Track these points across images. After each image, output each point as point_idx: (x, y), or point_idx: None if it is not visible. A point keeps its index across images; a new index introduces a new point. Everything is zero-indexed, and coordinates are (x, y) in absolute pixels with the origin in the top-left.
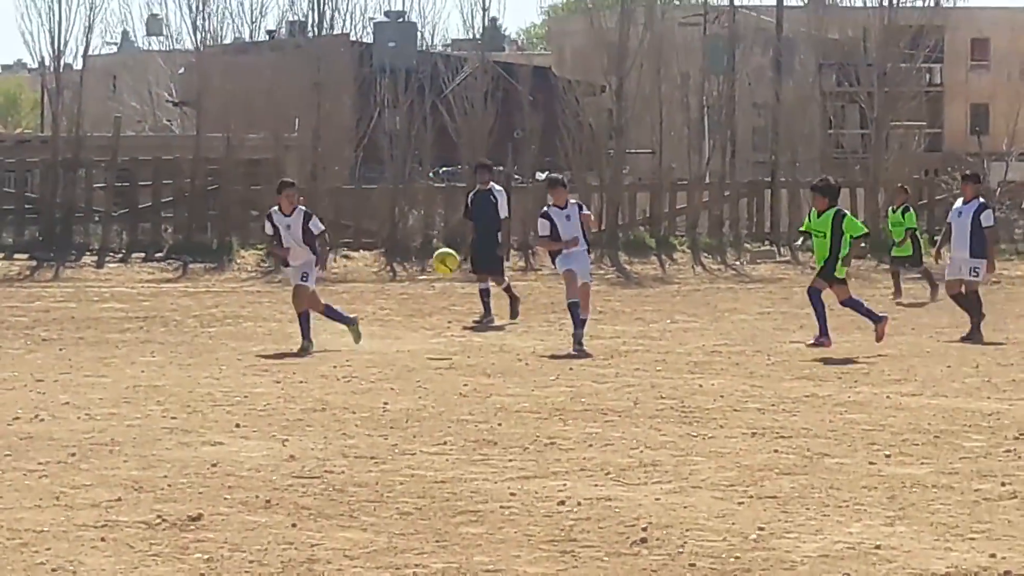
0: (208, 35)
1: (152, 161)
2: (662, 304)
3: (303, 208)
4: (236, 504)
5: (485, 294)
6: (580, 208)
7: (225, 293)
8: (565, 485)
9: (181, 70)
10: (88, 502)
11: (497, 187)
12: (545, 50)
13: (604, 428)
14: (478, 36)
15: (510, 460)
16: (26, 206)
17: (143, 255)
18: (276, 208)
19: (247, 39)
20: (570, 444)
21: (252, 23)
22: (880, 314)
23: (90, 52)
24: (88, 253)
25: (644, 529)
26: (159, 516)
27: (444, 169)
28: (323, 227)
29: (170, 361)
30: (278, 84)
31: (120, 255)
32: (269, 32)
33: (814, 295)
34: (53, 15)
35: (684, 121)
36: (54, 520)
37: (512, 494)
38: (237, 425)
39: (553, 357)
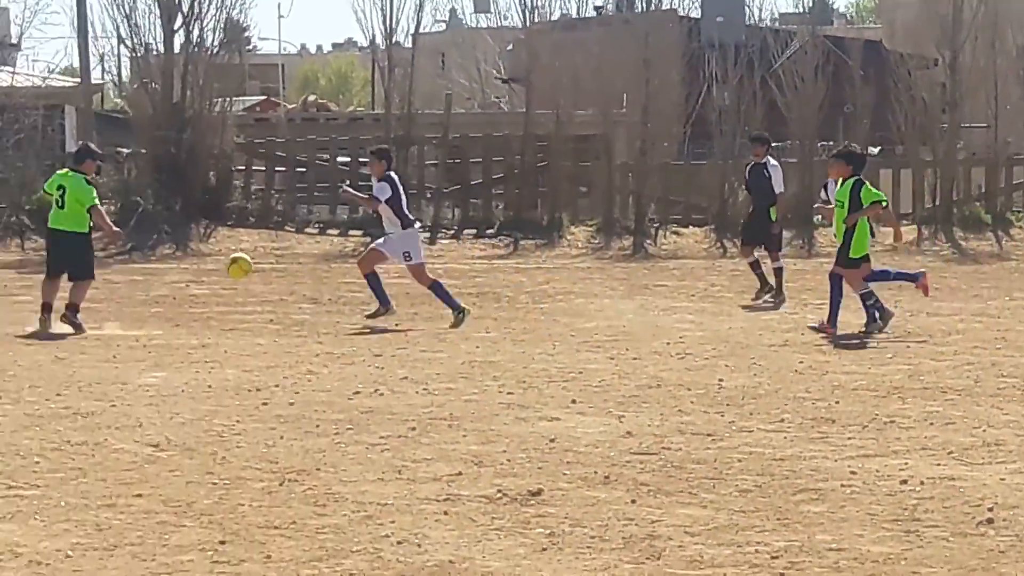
0: (536, 12)
1: (482, 138)
2: (1000, 281)
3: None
4: (575, 479)
5: (755, 266)
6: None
7: (556, 269)
8: (906, 464)
9: (509, 47)
10: (430, 476)
11: (773, 161)
12: (875, 23)
13: (944, 407)
14: (807, 10)
15: (849, 438)
16: (359, 183)
17: (474, 231)
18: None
19: (574, 15)
20: (910, 423)
21: None
22: (914, 272)
23: (420, 30)
24: (420, 230)
25: (990, 509)
26: (500, 491)
27: (773, 144)
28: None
29: (504, 337)
30: (606, 60)
31: (452, 232)
32: (596, 8)
33: (833, 279)
34: None
35: (1021, 95)
36: (397, 493)
37: (852, 472)
38: (573, 401)
39: (889, 336)
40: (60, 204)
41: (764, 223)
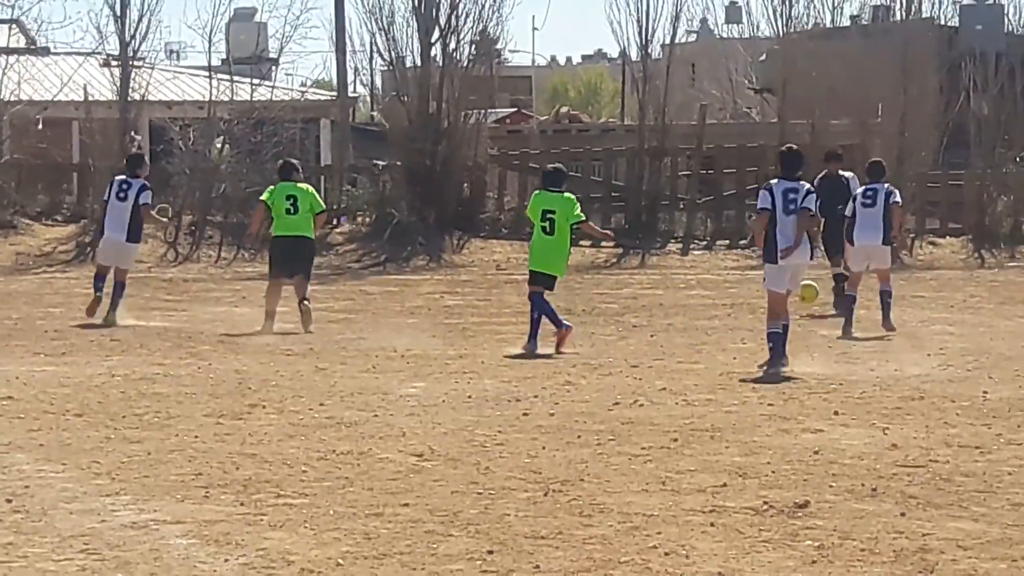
0: (790, 21)
1: (736, 149)
2: None
3: None
4: (842, 492)
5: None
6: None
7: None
8: None
9: (762, 57)
10: (694, 487)
11: (847, 174)
12: None
13: None
14: None
15: None
16: (612, 193)
17: (727, 242)
18: None
19: (828, 24)
20: None
21: (834, 8)
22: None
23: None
24: (673, 240)
25: None
26: (765, 502)
27: None
28: None
29: (761, 348)
30: (863, 69)
31: (704, 242)
32: (852, 17)
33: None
34: (641, 5)
35: None
36: (662, 504)
37: None
38: (835, 412)
39: None
40: (293, 211)
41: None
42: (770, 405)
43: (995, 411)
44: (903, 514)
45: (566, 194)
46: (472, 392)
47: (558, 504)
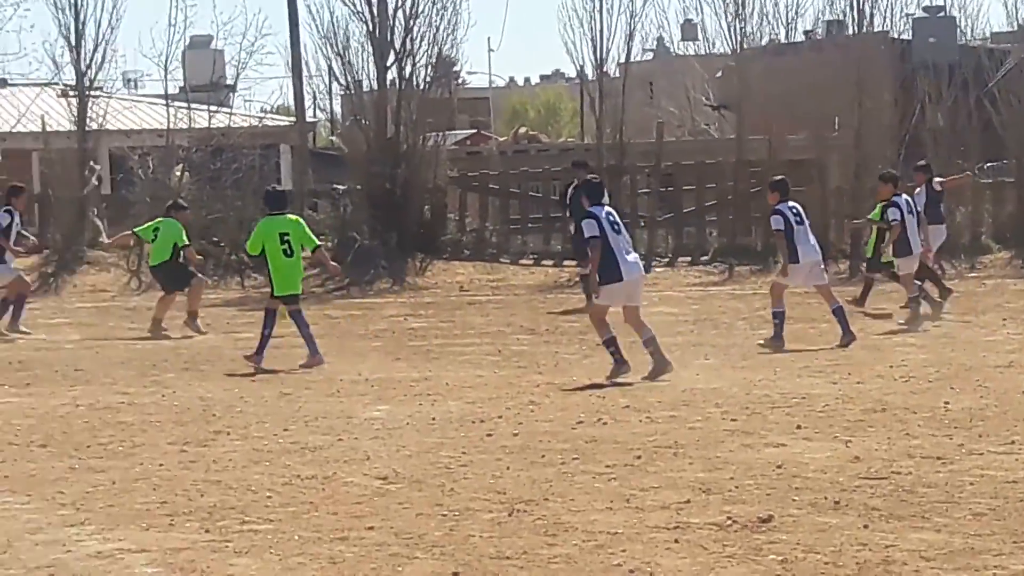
0: (745, 38)
1: (695, 165)
2: None
3: None
4: (805, 505)
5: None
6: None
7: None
8: None
9: (719, 73)
10: (658, 504)
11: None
12: None
13: None
14: (1021, 28)
15: None
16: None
17: (688, 259)
18: None
19: (783, 40)
20: None
21: (788, 24)
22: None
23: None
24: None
25: None
26: (729, 517)
27: (989, 164)
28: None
29: (724, 363)
30: (818, 84)
31: (666, 259)
32: (805, 32)
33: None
34: (595, 24)
35: None
36: (627, 522)
37: None
38: (798, 427)
39: None
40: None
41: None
42: (733, 420)
43: (956, 421)
44: (866, 526)
45: (293, 217)
46: (436, 414)
47: (523, 524)
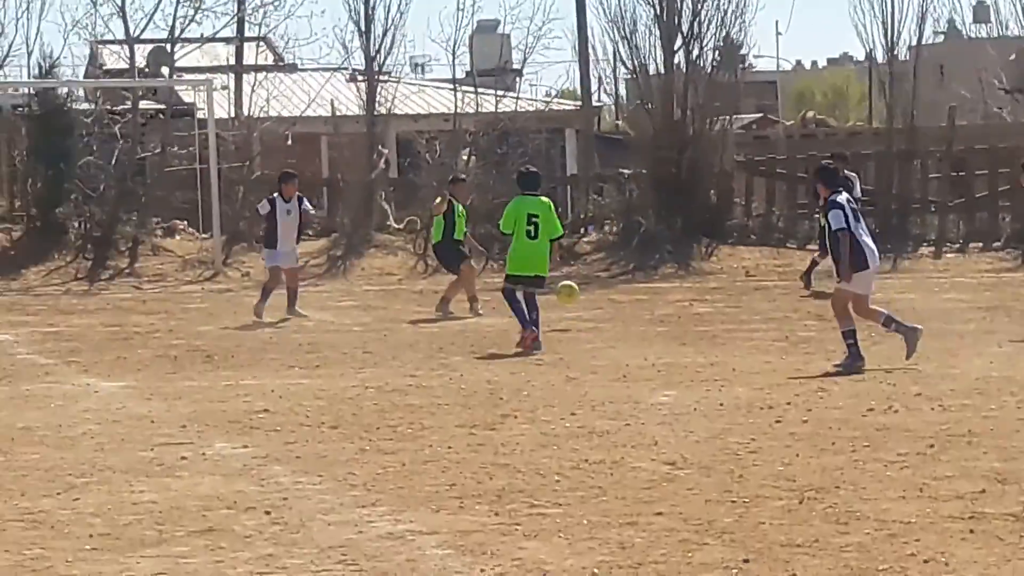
0: None
1: (987, 150)
2: None
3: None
4: None
5: None
6: None
7: None
8: None
9: (1012, 56)
10: (952, 493)
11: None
12: None
13: None
14: None
15: None
16: (862, 197)
17: (980, 245)
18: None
19: None
20: None
21: None
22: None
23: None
24: (925, 244)
25: None
26: None
27: None
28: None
29: (1018, 352)
30: None
31: (957, 245)
32: None
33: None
34: (886, 6)
35: None
36: (920, 511)
37: None
38: None
39: None
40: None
41: None
42: None
43: None
44: None
45: (543, 198)
46: (724, 400)
47: (813, 512)
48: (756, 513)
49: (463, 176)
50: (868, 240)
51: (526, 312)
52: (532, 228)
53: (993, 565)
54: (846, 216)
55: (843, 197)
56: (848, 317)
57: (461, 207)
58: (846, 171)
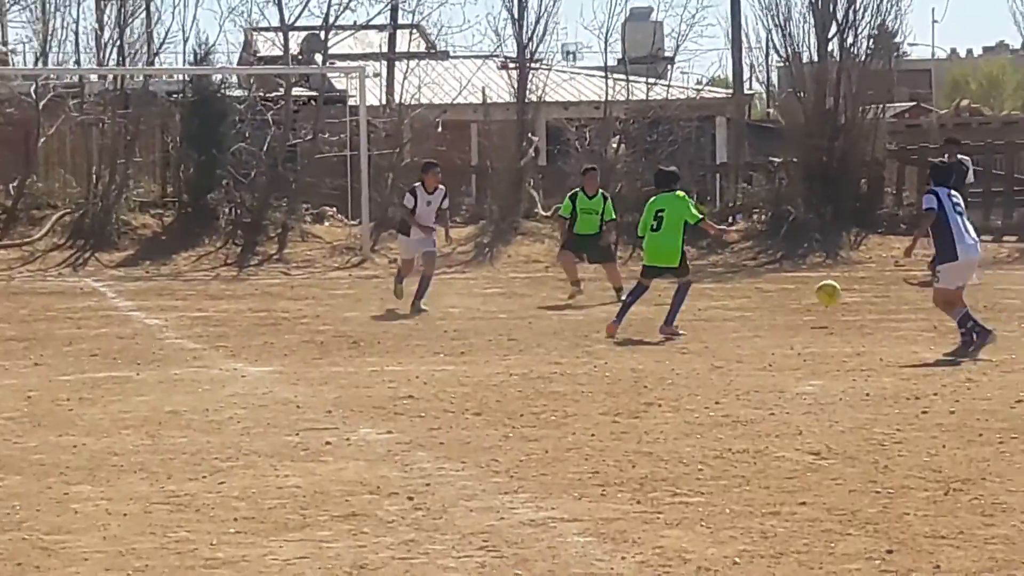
0: None
1: None
2: None
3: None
4: None
5: None
6: None
7: None
8: None
9: None
10: None
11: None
12: None
13: None
14: None
15: None
16: (1015, 188)
17: None
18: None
19: None
20: None
21: None
22: None
23: None
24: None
25: None
26: None
27: None
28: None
29: None
30: None
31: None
32: None
33: None
34: None
35: None
36: None
37: None
38: None
39: None
40: (655, 228)
41: None
42: None
43: None
44: None
45: (678, 193)
46: (870, 390)
47: (959, 503)
48: (900, 504)
49: (592, 167)
50: (965, 231)
51: (630, 305)
52: (656, 223)
53: None
54: (940, 201)
55: (944, 191)
56: (952, 305)
57: (586, 198)
58: (959, 156)
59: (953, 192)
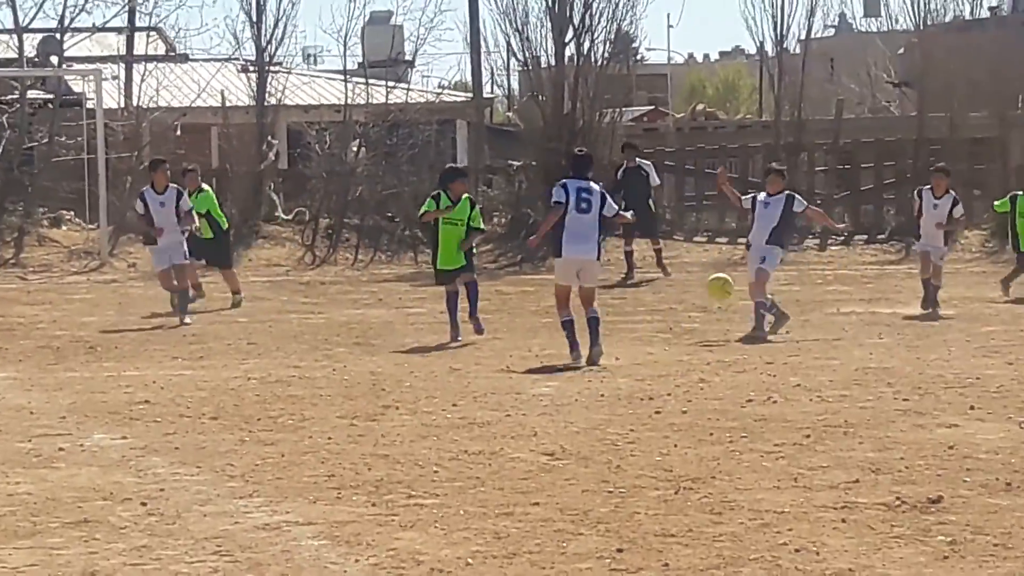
0: (928, 15)
1: (874, 143)
2: None
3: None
4: (976, 487)
5: None
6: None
7: (950, 274)
8: None
9: (900, 50)
10: (826, 483)
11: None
12: None
13: None
14: None
15: None
16: (748, 190)
17: (865, 237)
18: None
19: (967, 17)
20: None
21: (972, 0)
22: None
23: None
24: (811, 236)
25: None
26: (898, 498)
27: None
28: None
29: (898, 343)
30: (1002, 61)
31: (842, 237)
32: (990, 9)
33: None
34: (776, 1)
35: None
36: (794, 501)
37: None
38: (971, 407)
39: None
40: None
41: None
42: (905, 400)
43: None
44: None
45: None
46: (605, 391)
47: (689, 502)
48: (632, 503)
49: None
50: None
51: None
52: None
53: (863, 554)
54: (567, 196)
55: (575, 184)
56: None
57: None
58: (638, 159)
59: (584, 187)
